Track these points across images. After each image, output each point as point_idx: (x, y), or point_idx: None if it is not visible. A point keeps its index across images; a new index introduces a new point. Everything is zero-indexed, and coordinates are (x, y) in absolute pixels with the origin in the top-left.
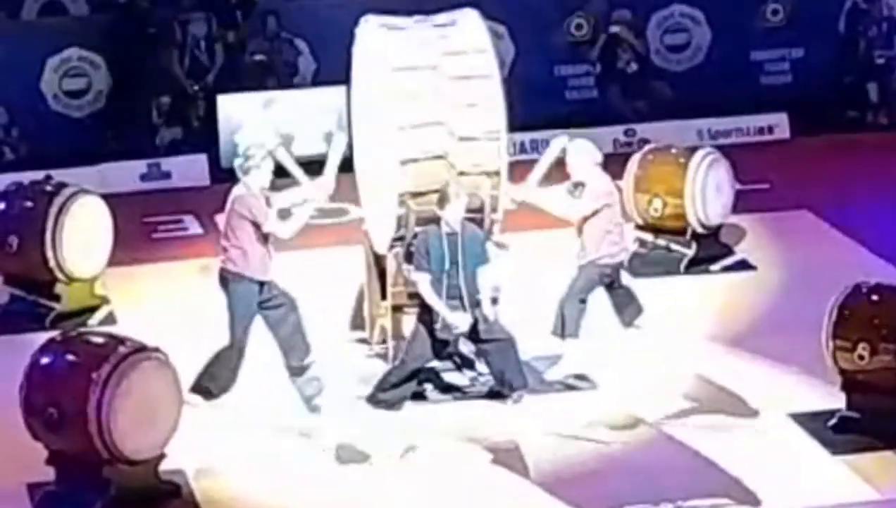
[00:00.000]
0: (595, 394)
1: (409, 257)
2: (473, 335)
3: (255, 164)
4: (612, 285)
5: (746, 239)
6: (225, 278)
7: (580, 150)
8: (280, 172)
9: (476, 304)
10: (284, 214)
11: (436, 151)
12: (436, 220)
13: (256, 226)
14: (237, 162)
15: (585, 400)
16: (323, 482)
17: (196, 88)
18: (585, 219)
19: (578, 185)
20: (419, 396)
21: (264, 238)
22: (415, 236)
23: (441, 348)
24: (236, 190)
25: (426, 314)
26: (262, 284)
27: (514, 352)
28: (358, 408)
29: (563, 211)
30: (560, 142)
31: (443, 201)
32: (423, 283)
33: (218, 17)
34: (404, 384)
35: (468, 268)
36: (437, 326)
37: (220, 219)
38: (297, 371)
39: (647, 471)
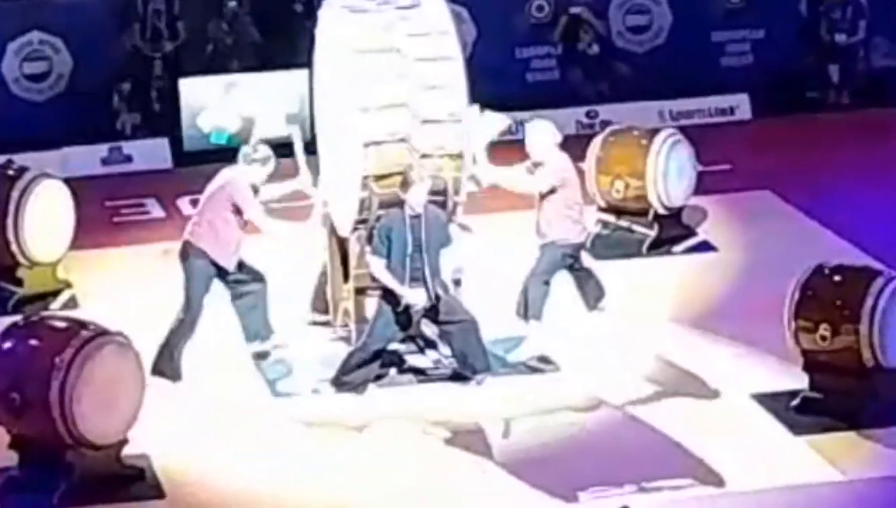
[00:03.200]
0: (558, 376)
1: (371, 239)
2: (436, 316)
3: (262, 159)
4: (574, 267)
5: (708, 220)
6: (186, 251)
7: (539, 130)
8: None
9: (441, 286)
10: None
11: (399, 134)
12: (399, 203)
13: (238, 213)
14: (244, 150)
15: (548, 382)
16: (287, 464)
17: (157, 55)
18: (543, 197)
19: (538, 165)
20: (382, 378)
21: (240, 227)
22: (377, 218)
23: (406, 324)
24: (230, 172)
25: (389, 296)
26: (221, 267)
27: (477, 334)
28: (321, 391)
29: (523, 186)
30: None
31: (406, 184)
32: (376, 266)
33: None
34: (367, 366)
35: (431, 251)
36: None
37: (185, 200)
38: (261, 354)
39: (610, 453)
